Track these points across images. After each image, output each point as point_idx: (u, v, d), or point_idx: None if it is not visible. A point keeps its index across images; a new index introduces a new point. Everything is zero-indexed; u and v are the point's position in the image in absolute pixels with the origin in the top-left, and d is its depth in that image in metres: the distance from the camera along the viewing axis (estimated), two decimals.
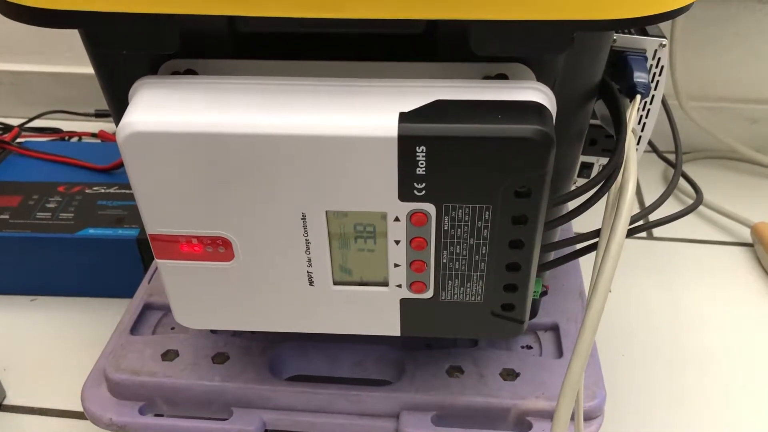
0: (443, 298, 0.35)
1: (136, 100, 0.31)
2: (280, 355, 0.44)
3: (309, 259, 0.34)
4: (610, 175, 0.36)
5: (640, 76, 0.39)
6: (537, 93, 0.31)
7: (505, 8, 0.28)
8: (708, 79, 0.79)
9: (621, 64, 0.40)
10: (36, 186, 0.62)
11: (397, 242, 0.33)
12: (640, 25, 0.33)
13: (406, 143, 0.29)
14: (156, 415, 0.43)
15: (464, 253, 0.33)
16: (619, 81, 0.40)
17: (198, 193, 0.32)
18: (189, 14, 0.29)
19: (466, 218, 0.32)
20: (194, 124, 0.30)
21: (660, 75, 0.42)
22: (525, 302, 0.35)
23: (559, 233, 0.49)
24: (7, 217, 0.58)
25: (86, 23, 0.30)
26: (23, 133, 0.75)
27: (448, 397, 0.41)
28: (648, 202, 0.71)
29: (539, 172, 0.30)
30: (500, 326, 0.36)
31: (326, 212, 0.32)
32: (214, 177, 0.31)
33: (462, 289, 0.34)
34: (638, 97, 0.38)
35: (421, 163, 0.30)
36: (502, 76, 0.32)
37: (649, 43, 0.41)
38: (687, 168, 0.75)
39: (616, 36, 0.40)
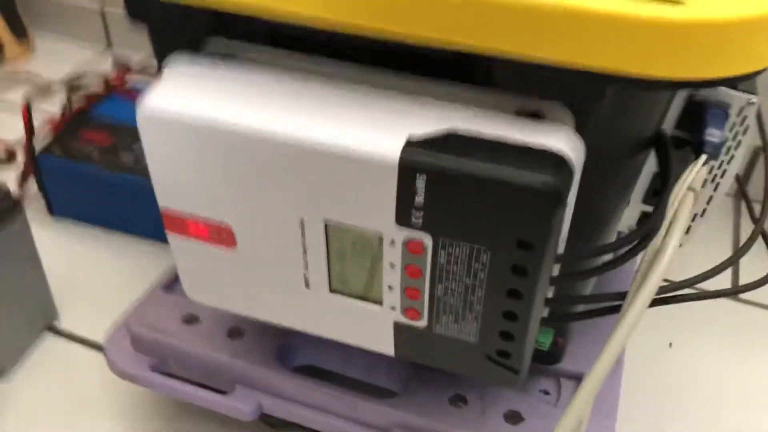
0: (437, 330, 0.33)
1: (161, 80, 0.31)
2: (293, 341, 0.44)
3: (306, 263, 0.33)
4: (645, 234, 0.33)
5: (712, 134, 0.35)
6: (562, 140, 0.28)
7: (525, 44, 0.26)
8: None
9: (697, 116, 0.36)
10: (129, 129, 0.65)
11: (392, 266, 0.31)
12: (693, 88, 0.29)
13: (406, 170, 0.28)
14: (166, 374, 0.44)
15: (459, 290, 0.31)
16: (692, 133, 0.36)
17: (204, 179, 0.32)
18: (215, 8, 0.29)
19: (463, 257, 0.30)
20: (204, 116, 0.30)
21: (744, 134, 0.38)
22: (522, 353, 0.33)
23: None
24: (96, 152, 0.62)
25: None
26: (138, 74, 0.79)
27: (443, 426, 0.40)
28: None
29: (543, 226, 0.28)
30: (495, 371, 0.34)
31: (325, 222, 0.31)
32: (219, 167, 0.31)
33: (456, 325, 0.33)
34: (703, 157, 0.35)
35: (421, 193, 0.28)
36: (538, 113, 0.30)
37: (735, 99, 0.37)
38: None
39: None
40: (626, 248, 0.33)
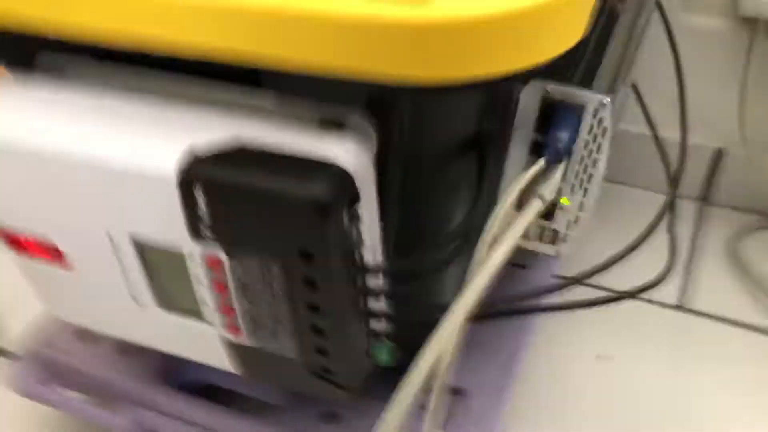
0: (260, 347, 0.32)
1: None
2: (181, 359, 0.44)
3: (128, 281, 0.33)
4: (462, 241, 0.31)
5: (556, 137, 0.34)
6: (345, 151, 0.27)
7: (281, 55, 0.25)
8: None
9: (548, 119, 0.35)
10: None
11: (200, 281, 0.31)
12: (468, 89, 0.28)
13: (184, 182, 0.27)
14: (62, 387, 0.45)
15: (264, 304, 0.30)
16: (543, 136, 0.35)
17: (22, 196, 0.32)
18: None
19: (257, 269, 0.29)
20: (12, 138, 0.30)
21: (603, 137, 0.36)
22: (343, 369, 0.32)
23: None
24: None
25: None
26: None
27: None
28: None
29: (319, 237, 0.27)
30: (325, 388, 0.33)
31: (131, 238, 0.31)
32: (29, 185, 0.31)
33: (275, 342, 0.32)
34: (541, 161, 0.33)
35: (202, 205, 0.28)
36: (339, 122, 0.29)
37: (588, 99, 0.35)
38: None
39: (550, 87, 0.35)
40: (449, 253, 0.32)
